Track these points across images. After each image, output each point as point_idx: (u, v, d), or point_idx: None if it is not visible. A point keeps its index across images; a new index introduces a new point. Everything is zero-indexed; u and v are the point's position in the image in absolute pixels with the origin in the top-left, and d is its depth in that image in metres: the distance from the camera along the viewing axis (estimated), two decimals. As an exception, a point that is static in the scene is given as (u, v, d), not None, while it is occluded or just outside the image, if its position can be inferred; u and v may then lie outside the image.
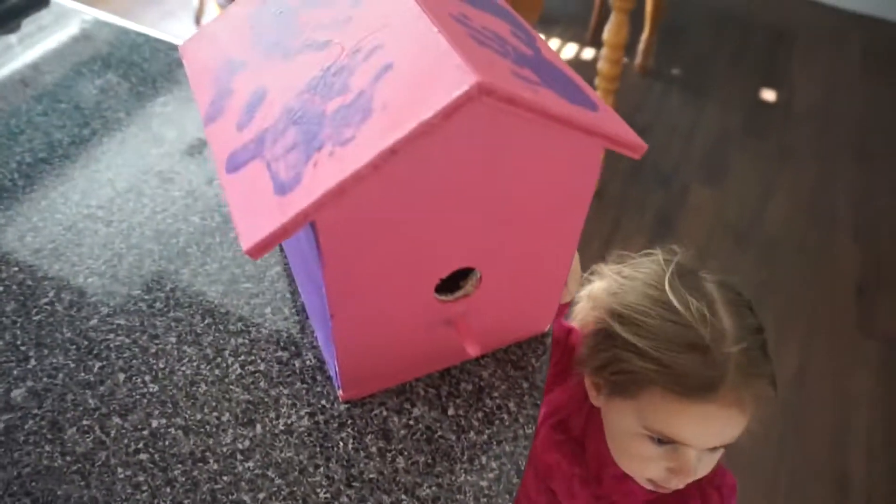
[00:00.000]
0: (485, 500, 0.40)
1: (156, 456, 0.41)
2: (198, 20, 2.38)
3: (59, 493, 0.39)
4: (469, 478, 0.41)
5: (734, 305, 0.56)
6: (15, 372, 0.45)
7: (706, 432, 0.56)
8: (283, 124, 0.33)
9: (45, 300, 0.49)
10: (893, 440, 1.40)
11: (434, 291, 0.39)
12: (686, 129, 2.07)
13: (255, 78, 0.36)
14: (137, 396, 0.44)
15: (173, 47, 0.74)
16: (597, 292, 0.61)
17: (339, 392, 0.44)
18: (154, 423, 0.43)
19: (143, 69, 0.70)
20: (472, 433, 0.43)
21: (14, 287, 0.49)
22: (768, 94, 2.22)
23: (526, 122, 0.30)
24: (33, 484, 0.39)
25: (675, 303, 0.54)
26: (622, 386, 0.57)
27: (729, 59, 2.34)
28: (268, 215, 0.30)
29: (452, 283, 0.40)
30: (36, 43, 0.73)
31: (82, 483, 0.40)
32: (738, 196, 1.89)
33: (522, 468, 0.41)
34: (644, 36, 2.13)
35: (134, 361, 0.46)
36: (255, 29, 0.39)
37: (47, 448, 0.41)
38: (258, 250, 0.29)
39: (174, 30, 2.22)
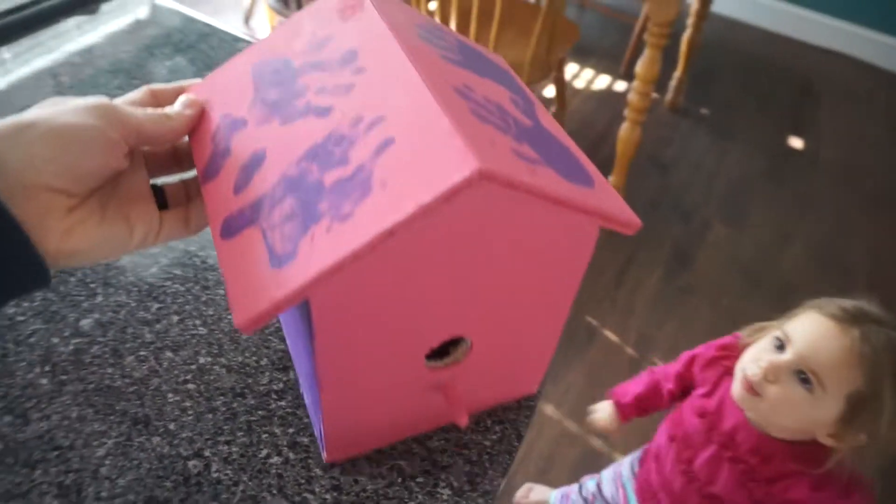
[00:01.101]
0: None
1: (201, 387, 0.47)
2: (247, 20, 2.48)
3: (117, 407, 0.45)
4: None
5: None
6: (84, 304, 0.50)
7: (815, 341, 0.72)
8: (280, 191, 0.32)
9: (113, 247, 0.55)
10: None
11: (424, 359, 0.39)
12: (710, 168, 2.11)
13: (254, 139, 0.35)
14: (188, 336, 0.50)
15: (237, 39, 0.81)
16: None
17: (324, 454, 0.43)
18: (201, 360, 0.48)
19: (209, 56, 0.77)
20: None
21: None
22: (796, 142, 2.26)
23: (523, 202, 0.30)
24: (96, 398, 0.45)
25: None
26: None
27: (756, 104, 2.39)
28: (261, 289, 0.29)
29: (442, 348, 0.40)
30: (110, 20, 0.80)
31: (138, 402, 0.45)
32: (755, 238, 1.92)
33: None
34: (676, 74, 2.19)
35: (187, 307, 0.51)
36: (257, 85, 0.38)
37: (109, 370, 0.47)
38: (250, 325, 0.28)
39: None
